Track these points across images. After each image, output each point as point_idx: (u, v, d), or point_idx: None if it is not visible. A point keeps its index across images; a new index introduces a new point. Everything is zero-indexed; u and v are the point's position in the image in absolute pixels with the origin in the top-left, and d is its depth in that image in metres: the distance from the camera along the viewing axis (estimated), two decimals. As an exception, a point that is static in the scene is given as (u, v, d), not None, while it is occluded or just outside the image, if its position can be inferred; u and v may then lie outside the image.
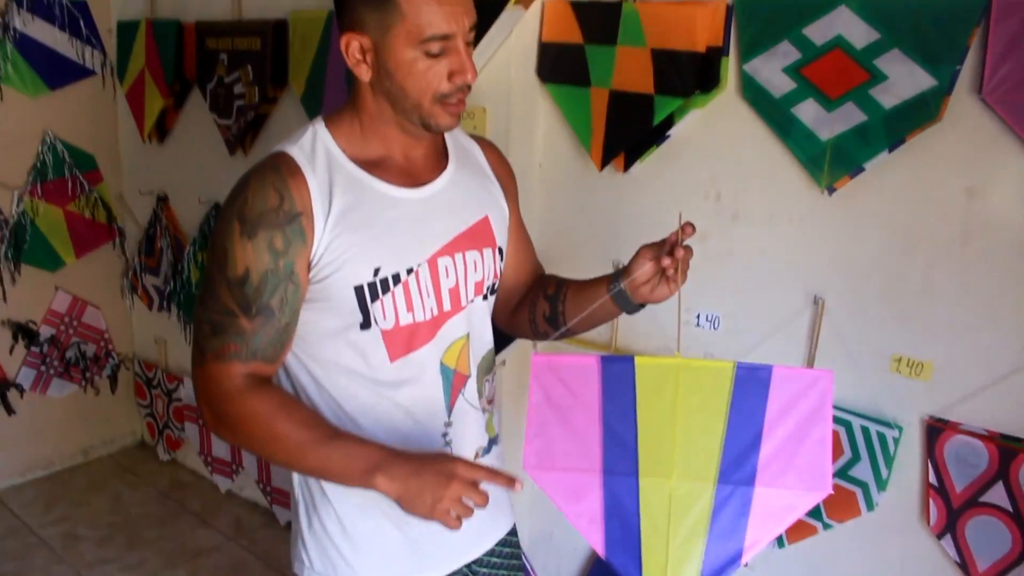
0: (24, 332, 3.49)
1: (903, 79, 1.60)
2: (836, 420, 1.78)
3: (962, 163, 1.60)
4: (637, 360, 1.18)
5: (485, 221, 1.45)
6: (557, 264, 2.14)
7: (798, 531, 1.88)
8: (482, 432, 1.51)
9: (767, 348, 1.88)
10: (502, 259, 1.49)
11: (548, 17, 2.01)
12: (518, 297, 1.60)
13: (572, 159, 2.09)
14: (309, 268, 1.30)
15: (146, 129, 3.31)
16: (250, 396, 1.28)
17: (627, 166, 1.99)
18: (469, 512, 1.19)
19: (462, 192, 1.43)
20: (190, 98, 3.18)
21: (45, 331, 3.55)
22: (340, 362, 1.36)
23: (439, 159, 1.43)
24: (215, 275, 1.29)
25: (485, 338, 1.50)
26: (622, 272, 1.39)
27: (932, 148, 1.62)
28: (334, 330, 1.34)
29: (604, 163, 1.99)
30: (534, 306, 1.55)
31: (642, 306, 1.42)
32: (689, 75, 1.79)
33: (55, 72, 3.36)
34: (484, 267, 1.44)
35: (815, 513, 1.84)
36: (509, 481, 1.19)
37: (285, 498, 3.18)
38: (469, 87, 1.30)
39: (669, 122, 1.89)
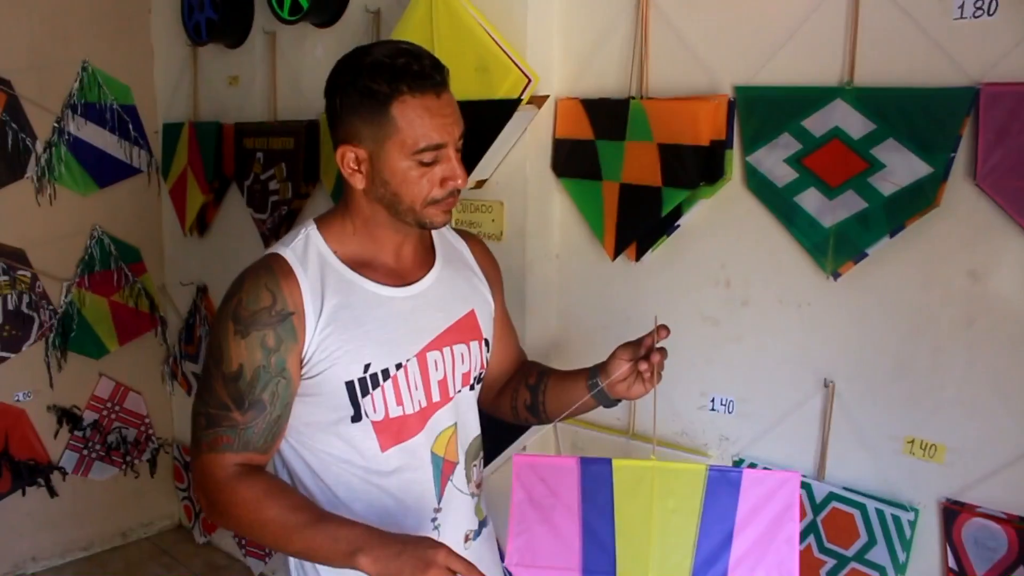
0: (68, 417, 3.61)
1: (900, 167, 1.65)
2: (851, 503, 1.79)
3: (962, 247, 1.63)
4: (614, 462, 1.23)
5: (471, 315, 1.52)
6: (574, 350, 2.20)
7: (819, 617, 1.87)
8: (471, 516, 1.55)
9: (781, 431, 1.90)
10: (488, 350, 1.56)
11: (561, 114, 2.11)
12: (501, 383, 1.66)
13: (587, 250, 2.16)
14: (301, 364, 1.36)
15: (187, 223, 3.46)
16: (239, 484, 1.33)
17: (639, 255, 2.06)
18: None
19: (449, 288, 1.51)
20: (228, 194, 3.33)
21: (88, 416, 3.66)
22: (333, 452, 1.42)
23: (427, 257, 1.51)
24: (211, 370, 1.36)
25: (471, 426, 1.56)
26: (599, 368, 1.46)
27: (932, 233, 1.66)
28: (327, 422, 1.41)
29: (617, 253, 2.05)
30: (516, 393, 1.61)
31: (619, 401, 1.49)
32: (694, 168, 1.86)
33: (104, 171, 3.56)
34: (471, 359, 1.51)
35: (835, 598, 1.83)
36: None
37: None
38: (459, 189, 1.38)
39: (678, 212, 1.96)
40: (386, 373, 1.40)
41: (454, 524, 1.52)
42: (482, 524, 1.59)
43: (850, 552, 1.80)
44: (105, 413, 3.71)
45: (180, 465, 3.89)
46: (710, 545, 1.26)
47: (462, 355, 1.50)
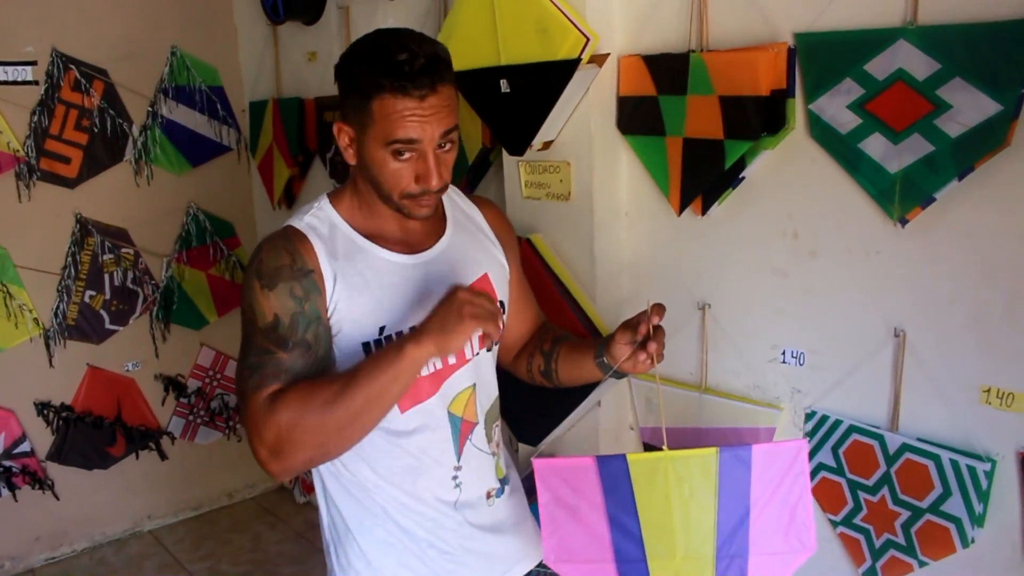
0: (174, 385, 3.83)
1: (968, 107, 1.59)
2: (925, 454, 1.76)
3: (1037, 187, 1.58)
4: (629, 457, 1.27)
5: (485, 278, 1.57)
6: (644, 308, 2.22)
7: (894, 569, 1.84)
8: (492, 475, 1.61)
9: (853, 382, 1.88)
10: (504, 312, 1.60)
11: (623, 72, 2.11)
12: (519, 346, 1.71)
13: (654, 206, 2.16)
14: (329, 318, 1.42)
15: (276, 197, 3.60)
16: (280, 398, 1.32)
17: (705, 209, 2.05)
18: (490, 319, 1.31)
19: (461, 253, 1.55)
20: (312, 167, 3.45)
21: (192, 384, 3.88)
22: None
23: (438, 224, 1.55)
24: (248, 330, 1.40)
25: (491, 387, 1.61)
26: (604, 346, 1.51)
27: (1003, 174, 1.60)
28: None
29: (682, 208, 2.05)
30: (531, 358, 1.67)
31: (626, 373, 1.53)
32: (755, 118, 1.84)
33: (197, 150, 3.73)
34: None
35: (910, 551, 1.81)
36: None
37: None
38: (440, 190, 1.40)
39: (742, 164, 1.94)
40: (400, 336, 1.44)
41: (475, 482, 1.57)
42: (503, 482, 1.64)
43: (924, 504, 1.77)
44: (207, 381, 3.92)
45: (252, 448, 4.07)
46: (730, 523, 1.30)
47: None
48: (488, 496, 1.60)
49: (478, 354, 1.56)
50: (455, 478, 1.55)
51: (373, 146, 1.37)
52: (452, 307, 1.29)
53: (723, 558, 1.30)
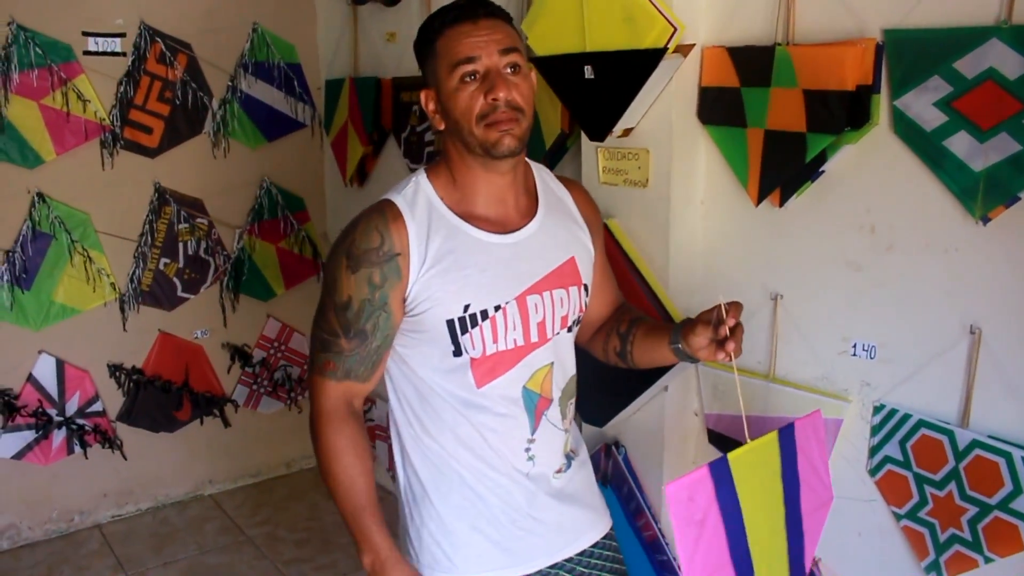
0: (240, 354, 3.94)
1: (1059, 108, 1.61)
2: (996, 451, 1.77)
3: (1125, 190, 1.58)
4: (729, 456, 1.32)
5: (571, 262, 1.61)
6: (718, 296, 2.25)
7: (958, 564, 1.86)
8: (561, 451, 1.67)
9: (923, 377, 1.89)
10: (587, 295, 1.66)
11: (706, 62, 2.14)
12: (596, 326, 1.77)
13: (731, 196, 2.19)
14: (404, 301, 1.49)
15: (348, 174, 3.68)
16: (331, 425, 1.54)
17: (783, 201, 2.07)
18: None
19: (551, 236, 1.60)
20: (386, 146, 3.52)
21: (257, 354, 3.98)
22: (436, 384, 1.56)
23: (530, 206, 1.61)
24: (326, 299, 1.52)
25: (568, 366, 1.66)
26: (681, 332, 1.56)
27: (1092, 176, 1.61)
28: (431, 356, 1.54)
29: (760, 198, 2.08)
30: (608, 338, 1.72)
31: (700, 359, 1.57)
32: (839, 113, 1.86)
33: (272, 126, 3.82)
34: (570, 303, 1.60)
35: (975, 546, 1.82)
36: None
37: None
38: (512, 106, 1.45)
39: (822, 158, 1.96)
40: (484, 314, 1.51)
41: (546, 456, 1.63)
42: (570, 457, 1.69)
43: (993, 500, 1.79)
44: (272, 352, 4.02)
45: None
46: (791, 500, 1.40)
47: (561, 299, 1.59)
48: (558, 471, 1.66)
49: (559, 334, 1.61)
50: (528, 451, 1.61)
51: (445, 82, 1.47)
52: None
53: (789, 528, 1.40)
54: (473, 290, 1.50)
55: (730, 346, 1.45)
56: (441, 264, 1.49)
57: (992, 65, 1.68)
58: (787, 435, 1.35)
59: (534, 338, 1.57)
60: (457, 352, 1.52)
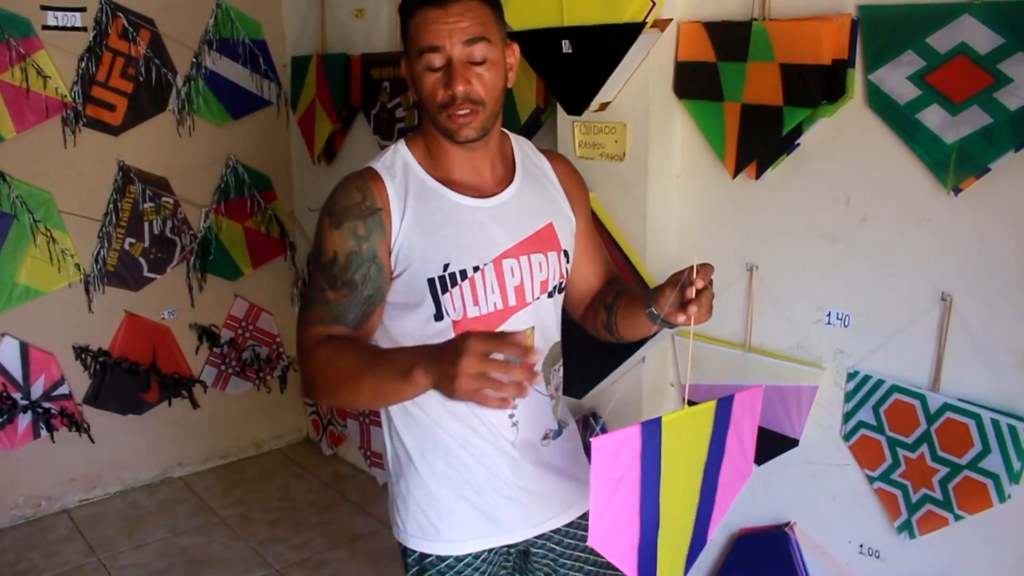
0: (207, 335, 3.90)
1: (1028, 81, 1.66)
2: (966, 413, 1.84)
3: (1091, 161, 1.64)
4: (664, 419, 1.29)
5: (550, 227, 1.63)
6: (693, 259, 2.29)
7: (929, 522, 1.93)
8: (550, 417, 1.69)
9: (896, 344, 1.95)
10: (568, 261, 1.67)
11: (683, 37, 2.16)
12: (588, 300, 1.77)
13: (707, 169, 2.23)
14: (390, 257, 1.50)
15: (316, 152, 3.65)
16: (318, 348, 1.47)
17: (759, 173, 2.11)
18: (500, 386, 1.19)
19: (526, 202, 1.62)
20: (355, 123, 3.50)
21: (225, 334, 3.95)
22: None
23: (507, 173, 1.63)
24: (314, 266, 1.53)
25: (551, 332, 1.68)
26: (656, 290, 1.53)
27: (1059, 147, 1.67)
28: (415, 323, 1.56)
29: (737, 171, 2.12)
30: (596, 312, 1.73)
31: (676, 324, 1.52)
32: (816, 86, 1.90)
33: (238, 103, 3.77)
34: (549, 268, 1.62)
35: (946, 505, 1.89)
36: (524, 350, 1.19)
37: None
38: (470, 99, 1.46)
39: (798, 131, 2.00)
40: (464, 274, 1.53)
41: (532, 422, 1.64)
42: (561, 425, 1.71)
43: (963, 460, 1.86)
44: (240, 332, 4.00)
45: (307, 381, 4.15)
46: (711, 469, 1.41)
47: (540, 264, 1.61)
48: (545, 437, 1.68)
49: (539, 299, 1.63)
50: (511, 416, 1.62)
51: (414, 62, 1.49)
52: (451, 368, 1.21)
53: (702, 496, 1.42)
54: (452, 249, 1.52)
55: (692, 309, 1.42)
56: (420, 222, 1.51)
57: (964, 40, 1.73)
58: (725, 406, 1.37)
59: (512, 302, 1.58)
60: (439, 316, 1.54)
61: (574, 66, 2.20)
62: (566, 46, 2.19)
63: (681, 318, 1.45)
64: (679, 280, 1.45)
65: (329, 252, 1.49)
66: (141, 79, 3.51)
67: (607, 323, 1.72)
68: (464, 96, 1.46)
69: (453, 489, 1.62)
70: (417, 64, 1.48)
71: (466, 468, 1.61)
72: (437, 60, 1.46)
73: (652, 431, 1.29)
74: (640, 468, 1.29)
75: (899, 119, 1.85)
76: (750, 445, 1.46)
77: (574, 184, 1.75)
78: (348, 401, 1.46)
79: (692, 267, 1.43)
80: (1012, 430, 1.78)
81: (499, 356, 1.20)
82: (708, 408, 1.36)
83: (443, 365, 1.24)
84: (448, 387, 1.23)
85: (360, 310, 1.51)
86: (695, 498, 1.42)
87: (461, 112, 1.47)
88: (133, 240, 3.61)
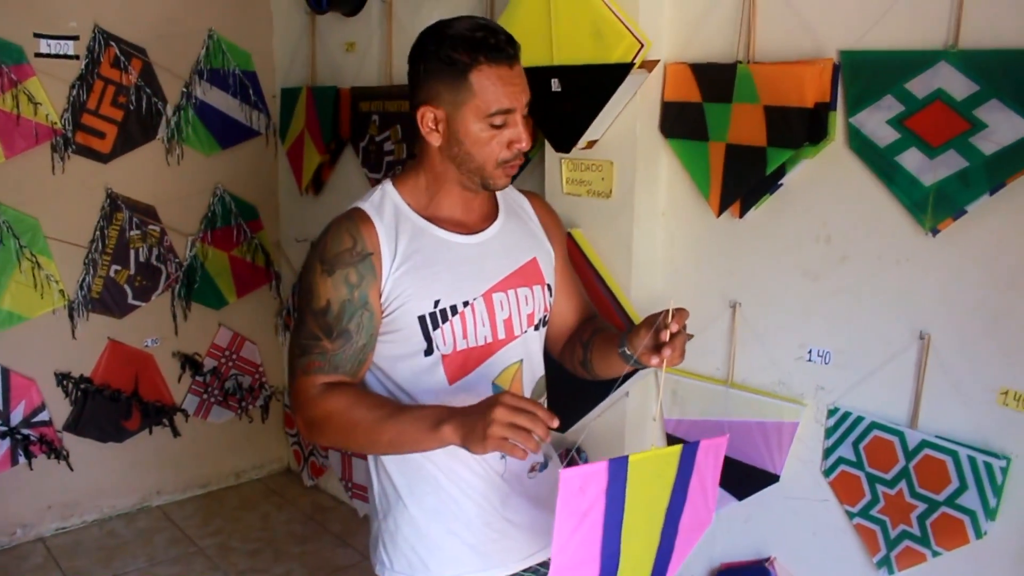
0: (191, 363, 3.90)
1: (1002, 127, 1.71)
2: (943, 450, 1.87)
3: (1063, 205, 1.70)
4: (631, 458, 1.30)
5: (533, 262, 1.67)
6: (678, 303, 2.32)
7: (908, 558, 1.96)
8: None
9: (876, 381, 1.99)
10: (551, 294, 1.70)
11: (670, 78, 2.22)
12: (566, 336, 1.80)
13: (692, 207, 2.27)
14: (380, 299, 1.52)
15: (304, 183, 3.68)
16: (329, 396, 1.50)
17: (743, 212, 2.16)
18: (525, 437, 1.30)
19: (511, 238, 1.65)
20: (344, 155, 3.53)
21: (208, 363, 3.94)
22: (409, 384, 1.59)
23: (491, 211, 1.66)
24: (304, 309, 1.54)
25: (537, 366, 1.70)
26: (630, 330, 1.56)
27: (1032, 191, 1.72)
28: (404, 355, 1.57)
29: (721, 210, 2.16)
30: (573, 349, 1.76)
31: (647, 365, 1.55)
32: (798, 128, 1.95)
33: (227, 133, 3.80)
34: (535, 301, 1.65)
35: (924, 541, 1.92)
36: (550, 416, 1.32)
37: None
38: (524, 153, 1.52)
39: (781, 171, 2.05)
40: (454, 309, 1.55)
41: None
42: (546, 458, 1.73)
43: (941, 497, 1.89)
44: (223, 361, 3.99)
45: (290, 412, 4.14)
46: (673, 513, 1.41)
47: (526, 297, 1.64)
48: (532, 470, 1.70)
49: (526, 332, 1.66)
50: None
51: (470, 120, 1.49)
52: (482, 420, 1.32)
53: (662, 539, 1.43)
54: (442, 286, 1.55)
55: (665, 352, 1.45)
56: (410, 262, 1.53)
57: (941, 86, 1.78)
58: (689, 452, 1.38)
59: (502, 335, 1.61)
60: (428, 351, 1.56)
61: (563, 104, 2.24)
62: (555, 84, 2.24)
63: (654, 360, 1.47)
64: (654, 322, 1.49)
65: (322, 300, 1.51)
66: (131, 107, 3.53)
67: (583, 360, 1.74)
68: (528, 149, 1.53)
69: (442, 524, 1.62)
70: (477, 121, 1.48)
71: (455, 503, 1.62)
72: (504, 120, 1.49)
73: (619, 469, 1.30)
74: (604, 505, 1.31)
75: (879, 161, 1.90)
76: (712, 493, 1.46)
77: (551, 221, 1.79)
78: (359, 446, 1.52)
79: (667, 311, 1.46)
80: (988, 467, 1.82)
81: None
82: (673, 452, 1.36)
83: (473, 420, 1.34)
84: (479, 438, 1.32)
85: (357, 359, 1.54)
86: (655, 541, 1.42)
87: (517, 164, 1.53)
88: (119, 267, 3.61)
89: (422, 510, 1.62)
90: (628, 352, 1.56)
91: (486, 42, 1.46)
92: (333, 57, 3.50)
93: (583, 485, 1.27)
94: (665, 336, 1.45)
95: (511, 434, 1.30)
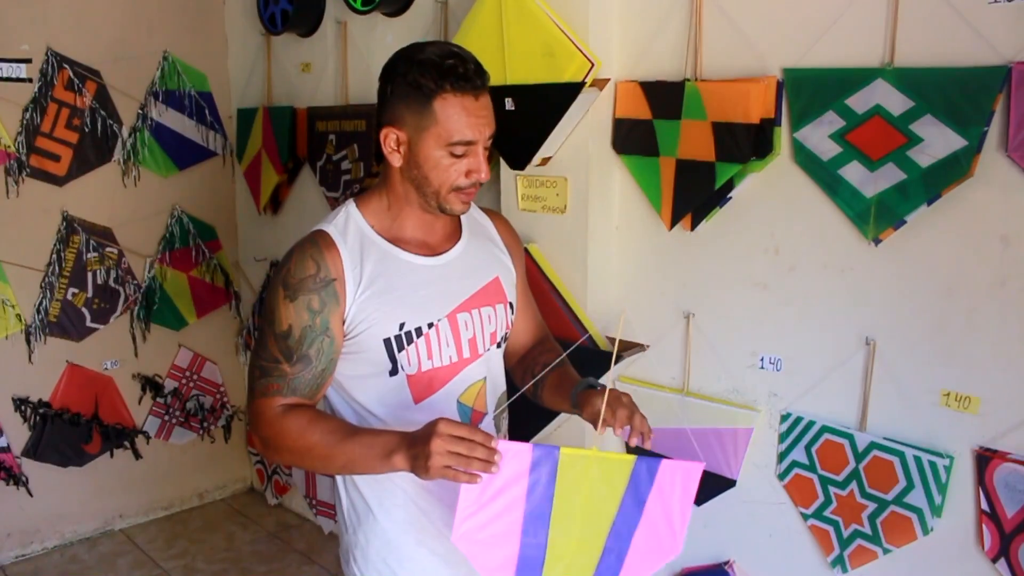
0: (151, 384, 3.87)
1: (937, 141, 1.79)
2: (891, 451, 1.94)
3: (995, 213, 1.77)
4: (562, 450, 1.34)
5: (496, 281, 1.70)
6: (633, 316, 2.37)
7: (860, 556, 2.02)
8: None
9: (825, 387, 2.06)
10: (513, 312, 1.74)
11: (620, 96, 2.28)
12: (520, 355, 1.84)
13: (645, 221, 2.33)
14: (344, 324, 1.54)
15: (262, 202, 3.68)
16: (286, 418, 1.52)
17: (694, 225, 2.22)
18: (467, 462, 1.31)
19: (474, 258, 1.68)
20: (301, 174, 3.55)
21: (169, 384, 3.92)
22: (373, 402, 1.61)
23: (454, 231, 1.69)
24: (265, 330, 1.55)
25: (499, 382, 1.74)
26: (583, 400, 1.58)
27: (967, 201, 1.80)
28: (367, 375, 1.59)
29: (673, 223, 2.22)
30: (525, 374, 1.79)
31: None
32: (745, 143, 2.02)
33: (183, 154, 3.80)
34: (497, 320, 1.68)
35: (875, 539, 1.99)
36: (487, 437, 1.32)
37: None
38: (481, 183, 1.55)
39: (730, 185, 2.12)
40: (419, 331, 1.57)
41: None
42: None
43: (890, 496, 1.96)
44: (184, 381, 3.97)
45: (249, 430, 4.12)
46: (624, 523, 1.40)
47: (489, 316, 1.67)
48: None
49: (489, 350, 1.69)
50: None
51: (431, 146, 1.50)
52: (423, 451, 1.34)
53: (607, 551, 1.42)
54: (407, 309, 1.57)
55: (632, 441, 1.48)
56: (375, 286, 1.55)
57: (879, 102, 1.86)
58: (648, 468, 1.37)
59: (466, 354, 1.64)
60: (394, 371, 1.58)
61: (517, 123, 2.29)
62: (509, 103, 2.29)
63: (607, 429, 1.50)
64: (610, 404, 1.49)
65: (284, 324, 1.52)
66: (87, 130, 3.52)
67: (533, 393, 1.77)
68: (485, 180, 1.54)
69: (412, 535, 1.65)
70: (436, 148, 1.50)
71: (424, 515, 1.64)
72: (464, 150, 1.50)
73: (546, 457, 1.34)
74: (527, 488, 1.34)
75: (822, 174, 1.97)
76: (680, 523, 1.42)
77: (512, 241, 1.82)
78: (314, 468, 1.57)
79: (607, 389, 1.48)
80: (932, 466, 1.89)
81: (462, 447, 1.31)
82: (625, 460, 1.37)
83: (416, 449, 1.36)
84: (423, 467, 1.34)
85: (315, 383, 1.55)
86: (597, 548, 1.42)
87: (472, 192, 1.55)
88: (76, 290, 3.59)
89: (392, 522, 1.64)
90: (585, 418, 1.58)
91: (454, 70, 1.47)
92: (289, 77, 3.52)
93: (502, 459, 1.32)
94: (610, 421, 1.49)
95: (452, 462, 1.32)
